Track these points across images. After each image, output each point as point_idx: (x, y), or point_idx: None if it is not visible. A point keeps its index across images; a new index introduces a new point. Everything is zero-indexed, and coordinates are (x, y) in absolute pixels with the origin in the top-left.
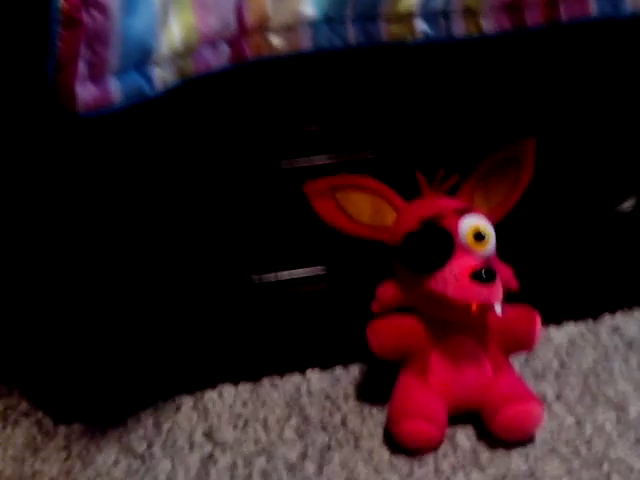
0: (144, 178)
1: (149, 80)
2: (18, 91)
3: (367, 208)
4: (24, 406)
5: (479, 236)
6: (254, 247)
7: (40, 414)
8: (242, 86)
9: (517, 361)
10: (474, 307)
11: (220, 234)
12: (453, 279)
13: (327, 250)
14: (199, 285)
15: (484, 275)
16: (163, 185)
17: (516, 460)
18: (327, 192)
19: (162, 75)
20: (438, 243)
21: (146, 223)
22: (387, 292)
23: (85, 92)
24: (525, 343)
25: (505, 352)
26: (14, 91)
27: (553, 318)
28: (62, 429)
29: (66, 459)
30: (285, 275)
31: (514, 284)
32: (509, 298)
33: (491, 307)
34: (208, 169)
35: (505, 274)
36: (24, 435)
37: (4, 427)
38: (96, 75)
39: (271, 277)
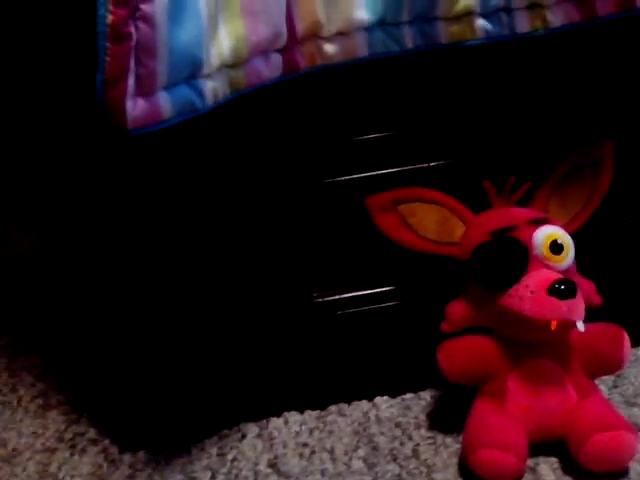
0: (198, 195)
1: (200, 93)
2: (68, 108)
3: (433, 222)
4: (92, 433)
5: (556, 247)
6: (319, 267)
7: (107, 442)
8: (293, 97)
9: (604, 385)
10: (554, 324)
11: (283, 255)
12: (529, 294)
13: (396, 268)
14: (263, 309)
15: (563, 289)
16: (219, 202)
17: None
18: (389, 206)
19: (213, 88)
20: (511, 256)
21: (204, 243)
22: (458, 311)
23: (135, 108)
24: (612, 364)
25: (590, 375)
26: (64, 108)
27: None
28: (128, 457)
29: None
30: (350, 295)
31: (597, 299)
32: (592, 316)
33: (572, 324)
34: (266, 185)
35: (586, 288)
36: (91, 463)
37: (72, 454)
38: (146, 90)
39: (336, 298)
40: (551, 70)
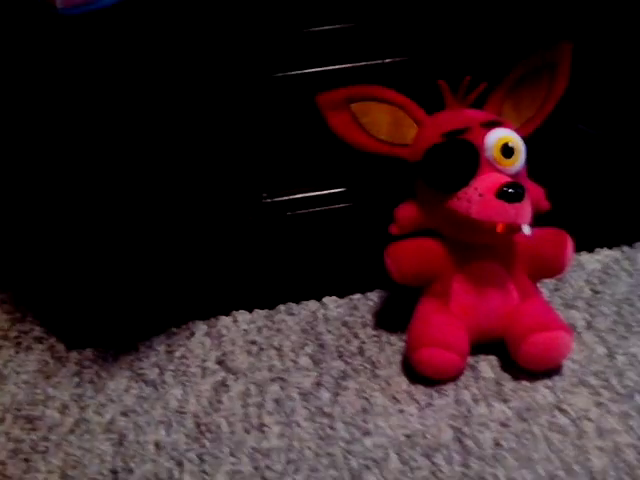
0: (138, 88)
1: None
2: None
3: (386, 122)
4: (37, 332)
5: (508, 151)
6: (268, 167)
7: (53, 340)
8: None
9: (546, 288)
10: (500, 227)
11: (231, 153)
12: (478, 197)
13: (347, 169)
14: (211, 209)
15: (511, 193)
16: (163, 96)
17: (541, 392)
18: (341, 104)
19: None
20: (462, 158)
21: (153, 140)
22: (407, 213)
23: None
24: (554, 268)
25: (533, 278)
26: None
27: (586, 244)
28: (74, 355)
29: (77, 385)
30: (300, 195)
31: (545, 205)
32: (539, 221)
33: (519, 228)
34: (215, 79)
35: (535, 193)
36: (37, 360)
37: (17, 352)
38: None
39: (285, 198)
40: None
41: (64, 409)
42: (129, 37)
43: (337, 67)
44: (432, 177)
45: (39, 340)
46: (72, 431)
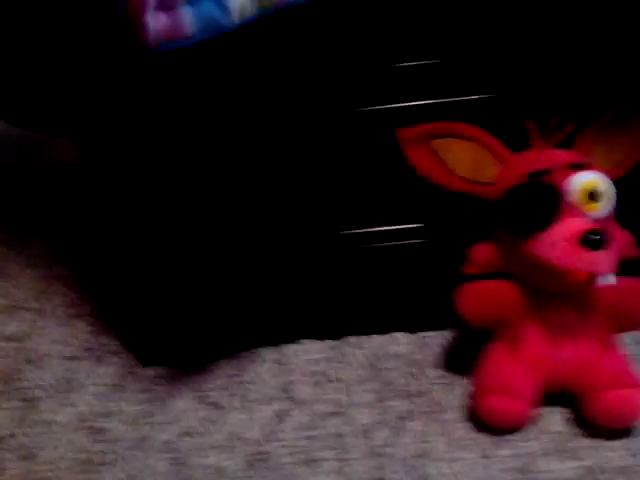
0: (224, 120)
1: (225, 9)
2: (89, 25)
3: (467, 159)
4: (115, 346)
5: (594, 195)
6: (346, 199)
7: (129, 355)
8: (328, 18)
9: (630, 338)
10: (582, 276)
11: (312, 184)
12: (559, 243)
13: (424, 205)
14: (288, 237)
15: (594, 240)
16: (247, 128)
17: (611, 452)
18: (422, 140)
19: (240, 4)
20: (542, 201)
21: (229, 169)
22: (482, 254)
23: (156, 22)
24: (637, 321)
25: (614, 329)
26: (85, 25)
27: None
28: (148, 372)
29: (147, 401)
30: (376, 229)
31: (633, 252)
32: (628, 269)
33: (600, 277)
34: (297, 112)
35: (623, 240)
36: (113, 374)
37: (98, 364)
38: (167, 3)
39: (362, 230)
40: (607, 6)
41: (132, 423)
42: (220, 71)
43: (421, 103)
44: (509, 219)
45: (116, 354)
46: (135, 446)
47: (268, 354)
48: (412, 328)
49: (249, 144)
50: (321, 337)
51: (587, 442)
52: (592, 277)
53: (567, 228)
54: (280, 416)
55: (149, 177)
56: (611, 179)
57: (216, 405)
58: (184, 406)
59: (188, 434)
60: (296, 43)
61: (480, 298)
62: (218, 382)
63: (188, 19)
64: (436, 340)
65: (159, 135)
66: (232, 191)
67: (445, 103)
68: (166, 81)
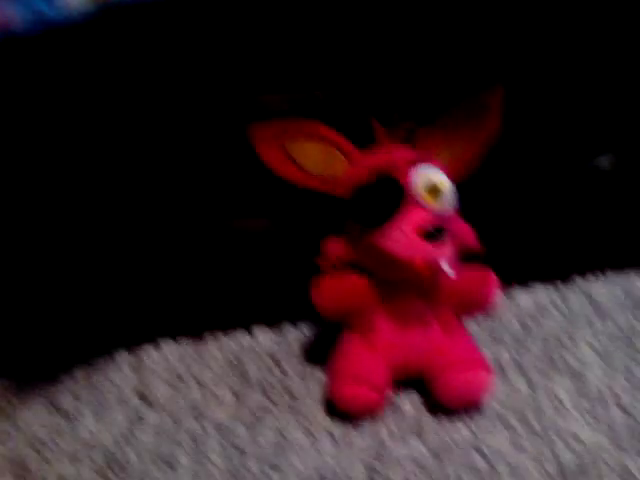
0: (70, 118)
1: (51, 2)
2: None
3: (317, 157)
4: None
5: (434, 190)
6: (196, 195)
7: None
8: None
9: (475, 323)
10: (421, 266)
11: (154, 183)
12: (400, 235)
13: (274, 201)
14: (137, 234)
15: (432, 232)
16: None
17: (461, 431)
18: (274, 138)
19: None
20: (387, 195)
21: (61, 171)
22: (334, 248)
23: None
24: (479, 305)
25: (458, 314)
26: None
27: (520, 280)
28: None
29: None
30: (231, 225)
31: (475, 245)
32: (472, 257)
33: (439, 267)
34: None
35: (464, 233)
36: None
37: None
38: None
39: (216, 227)
40: (447, 9)
41: None
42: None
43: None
44: (357, 213)
45: None
46: None
47: (122, 357)
48: (271, 322)
49: (87, 142)
50: (178, 337)
51: (436, 423)
52: (432, 267)
53: (409, 221)
54: (134, 420)
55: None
56: (453, 175)
57: (66, 413)
58: (30, 416)
59: (34, 445)
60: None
61: (332, 291)
62: (69, 389)
63: (14, 11)
64: (295, 334)
65: None
66: (63, 195)
67: (295, 99)
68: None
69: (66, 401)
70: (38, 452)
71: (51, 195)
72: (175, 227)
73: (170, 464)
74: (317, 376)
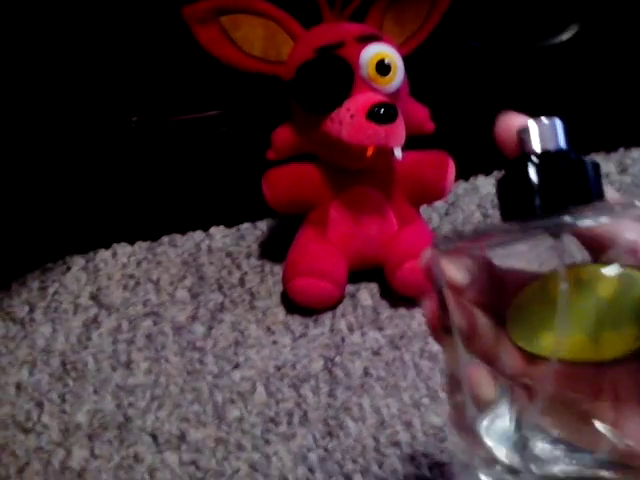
0: None
1: None
2: None
3: (259, 36)
4: None
5: (383, 68)
6: (137, 88)
7: None
8: None
9: (437, 213)
10: (369, 151)
11: (99, 74)
12: (349, 119)
13: (223, 91)
14: (81, 133)
15: (382, 113)
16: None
17: (417, 319)
18: (210, 16)
19: None
20: (334, 76)
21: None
22: (283, 137)
23: None
24: (435, 192)
25: (414, 202)
26: None
27: (482, 167)
28: None
29: None
30: (174, 119)
31: (429, 126)
32: (431, 143)
33: (390, 151)
34: None
35: (418, 114)
36: None
37: None
38: None
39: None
40: None
41: None
42: None
43: None
44: (303, 97)
45: None
46: None
47: (76, 262)
48: (228, 222)
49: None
50: (133, 240)
51: (394, 312)
52: (382, 152)
53: (357, 103)
54: (89, 324)
55: None
56: (402, 53)
57: (20, 321)
58: None
59: None
60: None
61: (282, 182)
62: (22, 297)
63: None
64: (252, 231)
65: None
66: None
67: None
68: None
69: (21, 310)
70: None
71: None
72: (130, 127)
73: (127, 365)
74: (276, 273)
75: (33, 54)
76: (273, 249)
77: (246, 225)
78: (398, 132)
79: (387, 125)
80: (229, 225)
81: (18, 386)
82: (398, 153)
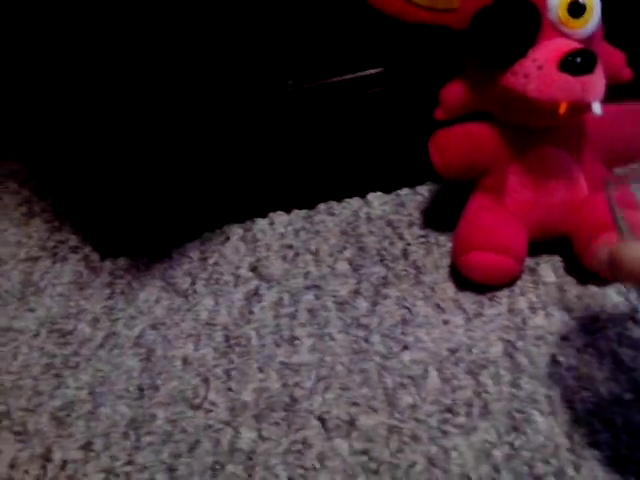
0: None
1: None
2: None
3: None
4: (74, 241)
5: (577, 8)
6: (293, 50)
7: (88, 249)
8: None
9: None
10: (563, 107)
11: (255, 37)
12: (536, 71)
13: (383, 47)
14: (238, 102)
15: (579, 62)
16: None
17: (612, 299)
18: None
19: None
20: (517, 21)
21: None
22: (453, 94)
23: None
24: (636, 149)
25: (610, 164)
26: None
27: None
28: (108, 265)
29: (109, 297)
30: (332, 80)
31: (626, 73)
32: (620, 93)
33: (587, 107)
34: None
35: (614, 60)
36: (72, 271)
37: (54, 263)
38: None
39: (315, 84)
40: None
41: (95, 323)
42: None
43: None
44: (481, 47)
45: (74, 250)
46: (102, 346)
47: (234, 232)
48: (386, 188)
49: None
50: (290, 209)
51: (581, 291)
52: (577, 108)
53: (546, 51)
54: (250, 297)
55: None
56: None
57: (183, 292)
58: (149, 297)
59: (155, 327)
60: None
61: (453, 144)
62: (184, 267)
63: None
64: (412, 198)
65: None
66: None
67: None
68: None
69: (183, 281)
70: (161, 335)
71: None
72: (286, 91)
73: (291, 342)
74: (441, 245)
75: (188, 20)
76: (437, 217)
77: (405, 191)
78: (597, 84)
79: (584, 76)
80: (386, 191)
81: (185, 360)
82: (597, 108)
